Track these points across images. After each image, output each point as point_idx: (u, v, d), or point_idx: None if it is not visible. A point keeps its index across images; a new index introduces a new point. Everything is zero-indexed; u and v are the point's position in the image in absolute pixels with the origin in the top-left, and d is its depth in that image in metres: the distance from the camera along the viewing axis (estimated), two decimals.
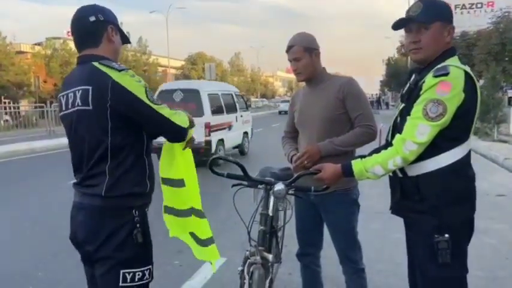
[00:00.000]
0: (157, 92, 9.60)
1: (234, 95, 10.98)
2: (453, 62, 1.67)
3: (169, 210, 2.05)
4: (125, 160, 1.66)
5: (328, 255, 2.74)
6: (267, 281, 2.08)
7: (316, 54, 2.35)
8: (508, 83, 17.65)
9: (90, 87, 1.61)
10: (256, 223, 2.17)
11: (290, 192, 2.15)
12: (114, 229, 1.65)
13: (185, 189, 1.97)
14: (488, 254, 3.79)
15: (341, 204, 2.33)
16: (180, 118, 1.75)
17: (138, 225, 1.68)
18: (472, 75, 1.64)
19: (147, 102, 1.62)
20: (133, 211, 1.68)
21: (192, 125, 1.84)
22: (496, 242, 4.10)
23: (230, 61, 64.51)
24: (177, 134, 1.76)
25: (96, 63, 1.64)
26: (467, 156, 1.72)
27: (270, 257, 2.06)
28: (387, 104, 49.82)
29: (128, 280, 1.67)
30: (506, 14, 17.29)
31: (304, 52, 2.30)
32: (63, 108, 1.74)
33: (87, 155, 1.67)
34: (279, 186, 2.04)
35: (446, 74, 1.59)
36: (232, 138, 10.29)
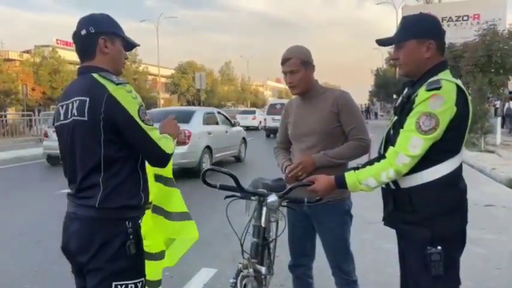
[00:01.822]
0: (267, 105, 17.61)
1: None
2: (445, 75, 1.70)
3: (159, 211, 2.02)
4: (118, 172, 1.66)
5: (320, 267, 2.73)
6: None
7: (311, 68, 2.35)
8: (494, 94, 17.98)
9: (87, 98, 1.62)
10: (248, 235, 2.15)
11: (283, 203, 2.15)
12: (106, 240, 1.64)
13: (176, 190, 2.00)
14: (478, 264, 3.82)
15: (334, 214, 2.33)
16: (166, 143, 1.72)
17: (131, 236, 1.66)
18: (464, 88, 1.66)
19: (138, 120, 1.61)
20: (127, 222, 1.67)
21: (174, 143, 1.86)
22: (486, 252, 4.12)
23: (220, 70, 64.67)
24: (160, 158, 1.72)
25: (95, 75, 1.65)
26: (459, 168, 1.74)
27: (263, 269, 2.04)
28: (376, 114, 50.33)
29: None
30: (492, 26, 17.67)
31: (301, 65, 2.29)
32: (61, 118, 1.73)
33: (81, 165, 1.67)
34: (272, 198, 2.03)
35: (439, 88, 1.61)
36: None
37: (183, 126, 5.43)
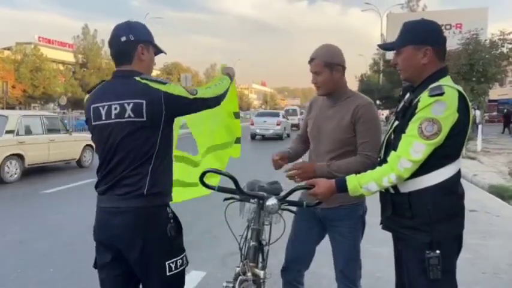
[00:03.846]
0: (283, 111, 29.14)
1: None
2: (446, 82, 1.72)
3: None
4: (163, 161, 1.85)
5: (311, 271, 2.72)
6: None
7: (338, 70, 2.27)
8: (475, 102, 18.33)
9: (143, 101, 1.76)
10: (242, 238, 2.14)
11: (283, 206, 2.13)
12: (153, 227, 1.80)
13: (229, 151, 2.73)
14: (464, 268, 3.85)
15: (348, 219, 2.28)
16: (219, 88, 2.09)
17: (171, 220, 1.85)
18: (465, 95, 1.68)
19: (191, 97, 1.86)
20: (167, 208, 1.86)
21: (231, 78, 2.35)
22: (471, 257, 4.19)
23: (206, 72, 64.52)
24: (220, 100, 2.10)
25: (139, 79, 1.80)
26: (458, 174, 1.76)
27: (262, 273, 2.01)
28: None
29: (173, 268, 1.85)
30: (475, 36, 18.04)
31: (324, 67, 2.24)
32: (103, 118, 1.83)
33: (130, 160, 1.79)
34: (272, 201, 2.00)
35: (442, 94, 1.63)
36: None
37: (276, 119, 23.55)
